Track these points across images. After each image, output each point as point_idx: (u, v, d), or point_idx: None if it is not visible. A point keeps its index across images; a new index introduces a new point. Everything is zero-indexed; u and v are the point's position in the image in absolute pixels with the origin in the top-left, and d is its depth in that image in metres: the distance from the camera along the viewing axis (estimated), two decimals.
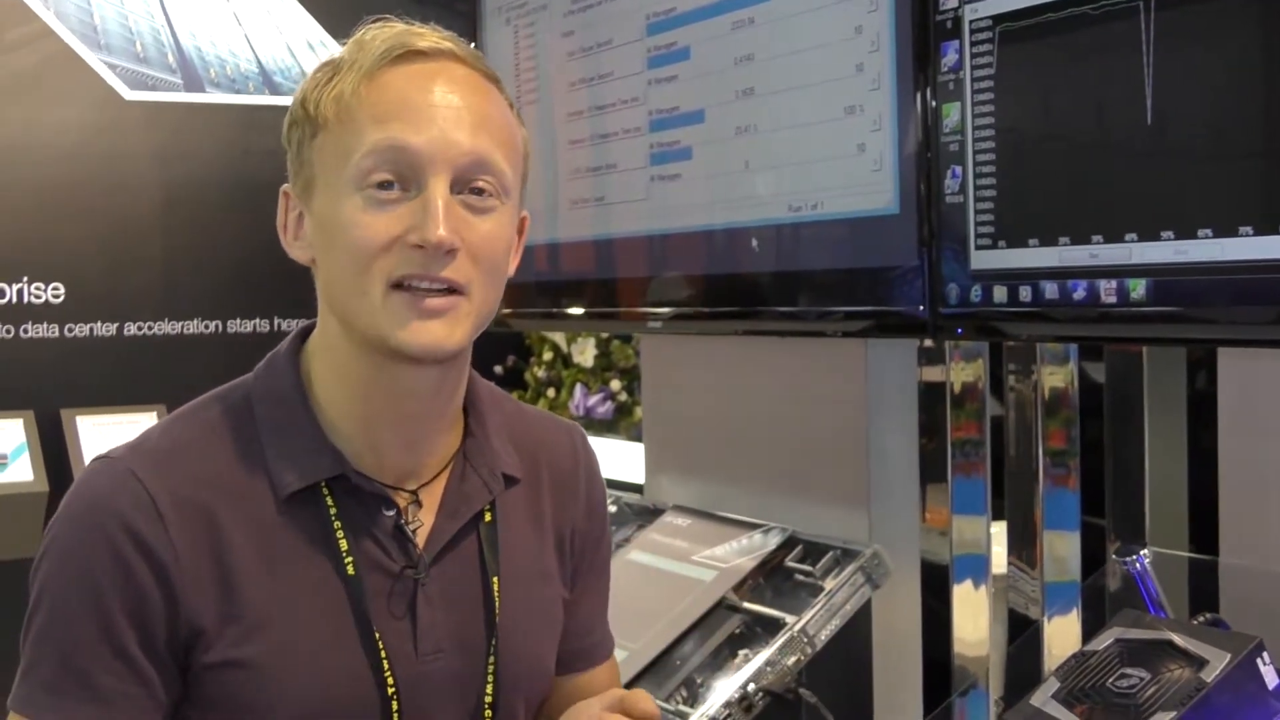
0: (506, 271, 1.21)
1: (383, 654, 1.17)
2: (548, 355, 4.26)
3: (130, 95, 4.17)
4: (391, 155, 1.12)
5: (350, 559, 1.17)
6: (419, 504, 1.22)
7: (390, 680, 1.17)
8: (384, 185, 1.12)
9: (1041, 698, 1.41)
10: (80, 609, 1.11)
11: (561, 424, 1.41)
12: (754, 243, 2.01)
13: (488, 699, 1.23)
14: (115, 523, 1.11)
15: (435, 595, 1.21)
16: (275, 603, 1.14)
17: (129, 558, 1.11)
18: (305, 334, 1.25)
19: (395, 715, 1.17)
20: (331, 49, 1.25)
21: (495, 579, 1.24)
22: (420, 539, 1.21)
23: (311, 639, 1.15)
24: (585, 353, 4.10)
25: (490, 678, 1.23)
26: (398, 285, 1.12)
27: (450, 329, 1.14)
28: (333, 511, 1.18)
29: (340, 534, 1.17)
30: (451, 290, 1.13)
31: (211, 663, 1.13)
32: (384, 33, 1.18)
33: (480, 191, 1.15)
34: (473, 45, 2.68)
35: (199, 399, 1.24)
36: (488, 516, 1.26)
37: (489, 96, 1.19)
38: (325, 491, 1.18)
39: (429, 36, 1.18)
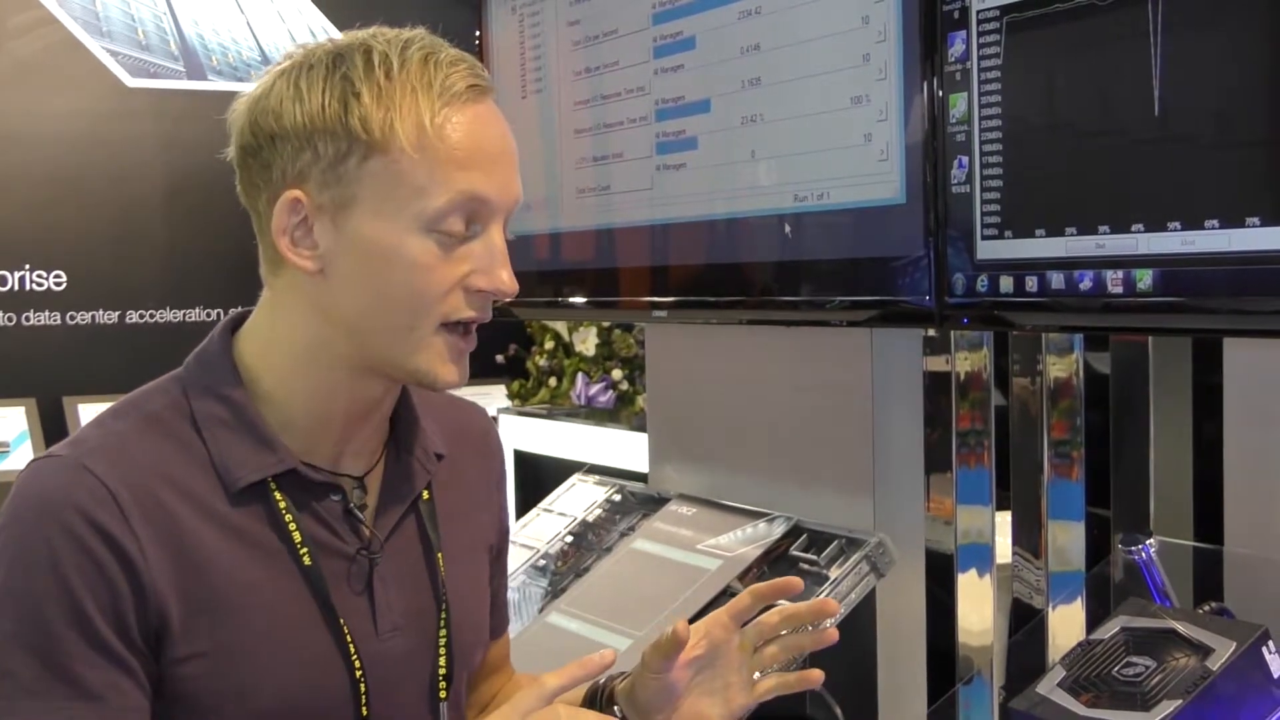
0: None
1: (348, 636, 1.19)
2: (549, 344, 4.27)
3: (132, 83, 4.17)
4: (473, 205, 1.15)
5: (305, 549, 1.19)
6: (364, 489, 1.25)
7: (357, 662, 1.19)
8: (455, 231, 1.15)
9: (1048, 686, 1.42)
10: (55, 607, 1.09)
11: (465, 400, 1.47)
12: (759, 232, 2.01)
13: (441, 671, 1.26)
14: (78, 518, 1.10)
15: (388, 575, 1.24)
16: (237, 593, 1.15)
17: (96, 551, 1.10)
18: (235, 324, 1.25)
19: (364, 695, 1.19)
20: (333, 36, 1.21)
21: (439, 554, 1.28)
22: (368, 521, 1.24)
23: (278, 627, 1.17)
24: (587, 342, 4.11)
25: (443, 651, 1.26)
26: (449, 324, 1.16)
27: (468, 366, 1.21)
28: (282, 505, 1.19)
29: (292, 524, 1.19)
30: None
31: (181, 656, 1.13)
32: (434, 54, 1.16)
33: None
34: (478, 34, 2.69)
35: (128, 397, 1.23)
36: (425, 495, 1.29)
37: None
38: (273, 486, 1.19)
39: (475, 67, 1.18)
